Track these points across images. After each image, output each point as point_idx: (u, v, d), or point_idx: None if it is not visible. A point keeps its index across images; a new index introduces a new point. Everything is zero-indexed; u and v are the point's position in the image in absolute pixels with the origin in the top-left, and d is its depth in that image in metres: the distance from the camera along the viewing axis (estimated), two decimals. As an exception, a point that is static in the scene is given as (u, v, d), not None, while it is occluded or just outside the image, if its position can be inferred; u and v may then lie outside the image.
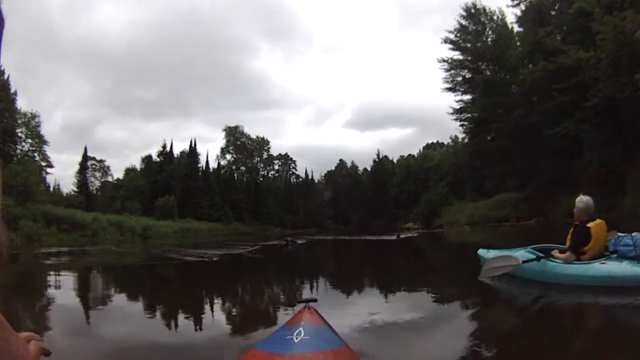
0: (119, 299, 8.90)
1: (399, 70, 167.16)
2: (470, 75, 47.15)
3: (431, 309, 6.38)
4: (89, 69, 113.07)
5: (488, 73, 43.06)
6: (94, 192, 71.01)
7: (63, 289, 10.22)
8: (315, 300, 3.48)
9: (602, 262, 6.18)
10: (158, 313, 7.24)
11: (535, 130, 37.10)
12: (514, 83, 39.86)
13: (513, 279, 7.07)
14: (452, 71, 48.21)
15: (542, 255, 6.86)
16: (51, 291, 10.11)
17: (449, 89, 48.82)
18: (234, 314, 7.22)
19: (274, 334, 3.04)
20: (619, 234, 6.46)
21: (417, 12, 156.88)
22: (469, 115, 47.18)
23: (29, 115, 56.65)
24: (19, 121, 55.35)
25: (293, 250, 23.54)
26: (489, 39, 45.74)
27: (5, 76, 51.32)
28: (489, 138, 46.18)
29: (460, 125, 50.71)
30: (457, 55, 47.76)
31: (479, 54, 45.39)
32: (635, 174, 28.45)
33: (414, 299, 7.33)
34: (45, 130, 54.81)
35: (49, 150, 59.33)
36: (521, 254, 7.12)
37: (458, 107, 48.87)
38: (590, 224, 6.49)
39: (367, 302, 7.05)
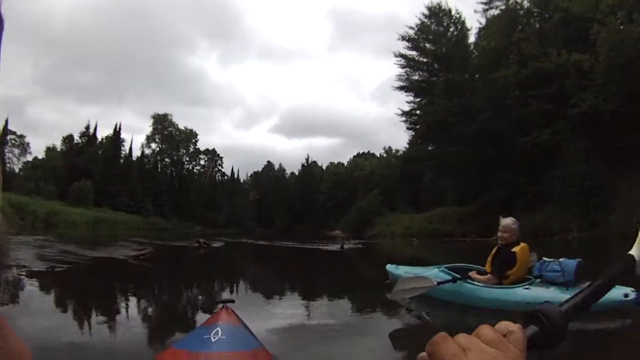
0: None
1: (328, 82, 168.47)
2: (427, 76, 43.29)
3: (350, 318, 6.39)
4: (27, 47, 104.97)
5: (449, 76, 39.17)
6: (14, 170, 63.76)
7: None
8: (233, 302, 3.35)
9: (526, 287, 5.91)
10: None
11: (500, 138, 33.60)
12: (477, 87, 36.38)
13: (428, 299, 6.46)
14: (407, 69, 44.03)
15: (458, 276, 6.31)
16: None
17: (402, 88, 44.33)
18: (152, 315, 6.94)
19: (192, 333, 3.09)
20: (545, 258, 6.23)
21: (351, 28, 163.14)
22: (422, 117, 42.64)
23: None
24: None
25: (205, 257, 18.46)
26: (452, 41, 42.00)
27: None
28: (431, 148, 42.90)
29: (409, 129, 46.56)
30: (414, 54, 43.72)
31: (439, 55, 41.60)
32: (623, 191, 25.09)
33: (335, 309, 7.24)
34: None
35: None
36: (434, 273, 6.60)
37: (408, 109, 44.68)
38: (516, 248, 6.19)
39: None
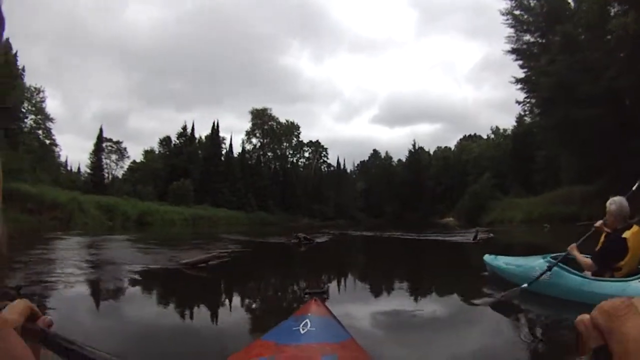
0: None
1: (422, 68, 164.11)
2: (539, 35, 37.64)
3: (447, 313, 5.72)
4: (121, 63, 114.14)
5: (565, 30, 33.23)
6: (116, 176, 65.88)
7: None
8: (323, 293, 3.26)
9: None
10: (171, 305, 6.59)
11: (630, 98, 27.47)
12: (595, 41, 30.42)
13: (531, 295, 5.61)
14: (517, 29, 38.67)
15: (554, 262, 5.59)
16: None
17: (514, 51, 38.86)
18: (241, 306, 6.67)
19: (280, 325, 2.74)
20: None
21: (435, 11, 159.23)
22: (542, 79, 36.26)
23: (33, 89, 49.22)
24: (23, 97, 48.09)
25: (304, 256, 14.16)
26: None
27: (13, 51, 42.32)
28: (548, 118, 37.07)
29: (525, 99, 40.37)
30: (519, 12, 38.38)
31: (546, 12, 36.02)
32: None
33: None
34: (78, 120, 50.27)
35: (76, 136, 53.22)
36: (539, 264, 5.89)
37: (523, 75, 38.89)
38: (626, 234, 4.99)
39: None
